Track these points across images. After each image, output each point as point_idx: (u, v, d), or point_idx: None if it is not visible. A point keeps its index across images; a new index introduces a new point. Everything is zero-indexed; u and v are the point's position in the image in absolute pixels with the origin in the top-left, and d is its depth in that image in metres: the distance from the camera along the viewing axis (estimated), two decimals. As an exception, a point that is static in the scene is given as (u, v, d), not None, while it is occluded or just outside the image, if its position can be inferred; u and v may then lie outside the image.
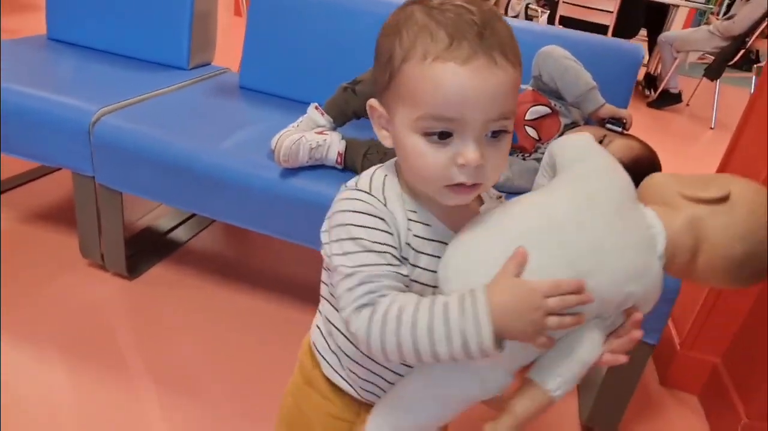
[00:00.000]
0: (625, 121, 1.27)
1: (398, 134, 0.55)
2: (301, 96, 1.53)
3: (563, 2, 3.92)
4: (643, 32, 4.76)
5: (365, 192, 0.57)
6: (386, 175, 0.59)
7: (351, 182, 0.60)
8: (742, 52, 3.65)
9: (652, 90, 4.43)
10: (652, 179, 0.67)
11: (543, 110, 1.32)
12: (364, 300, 0.53)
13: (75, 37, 1.80)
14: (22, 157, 1.45)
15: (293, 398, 0.74)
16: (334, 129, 1.31)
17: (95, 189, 1.40)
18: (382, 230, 0.55)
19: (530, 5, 5.02)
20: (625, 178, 0.62)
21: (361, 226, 0.54)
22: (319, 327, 0.70)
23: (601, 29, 3.83)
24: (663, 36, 4.09)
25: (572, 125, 1.33)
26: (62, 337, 1.31)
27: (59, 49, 1.76)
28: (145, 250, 1.64)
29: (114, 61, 1.71)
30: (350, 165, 1.25)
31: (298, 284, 1.62)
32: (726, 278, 0.60)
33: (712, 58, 3.84)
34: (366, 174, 0.60)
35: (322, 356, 0.68)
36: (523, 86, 1.35)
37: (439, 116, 0.51)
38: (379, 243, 0.54)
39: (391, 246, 0.55)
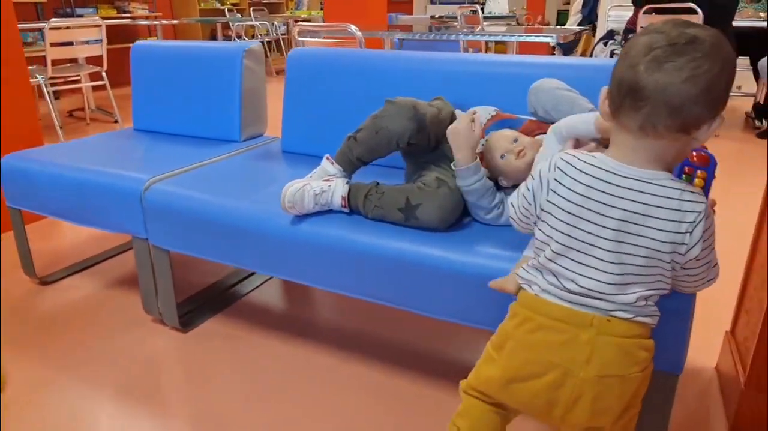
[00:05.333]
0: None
1: None
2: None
3: (641, 42, 3.77)
4: (746, 61, 4.42)
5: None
6: (685, 182, 0.85)
7: (692, 192, 0.80)
8: None
9: (763, 120, 4.05)
10: None
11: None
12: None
13: (153, 126, 2.10)
14: (96, 227, 1.67)
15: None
16: (346, 177, 1.38)
17: (149, 250, 1.58)
18: None
19: (615, 51, 4.92)
20: None
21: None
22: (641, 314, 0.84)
23: (686, 63, 3.61)
24: (762, 61, 3.77)
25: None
26: (116, 380, 1.46)
27: (139, 137, 2.05)
28: (204, 305, 1.79)
29: (180, 141, 1.96)
30: (354, 208, 1.30)
31: (342, 334, 1.66)
32: None
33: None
34: (693, 188, 0.81)
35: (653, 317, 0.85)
36: (524, 117, 1.35)
37: None
38: None
39: None
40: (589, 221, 0.82)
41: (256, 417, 1.35)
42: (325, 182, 1.32)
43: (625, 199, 0.79)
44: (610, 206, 0.80)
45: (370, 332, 1.67)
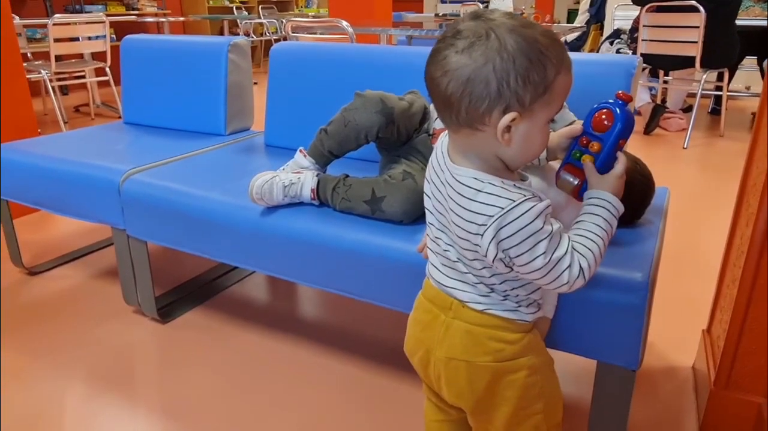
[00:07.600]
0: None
1: (533, 128, 0.71)
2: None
3: (643, 40, 3.74)
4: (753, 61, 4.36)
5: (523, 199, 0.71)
6: (493, 183, 0.72)
7: (503, 207, 0.70)
8: None
9: (769, 120, 3.98)
10: None
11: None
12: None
13: (142, 119, 2.12)
14: (77, 217, 1.69)
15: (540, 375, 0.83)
16: (319, 169, 1.38)
17: (128, 242, 1.59)
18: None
19: (621, 50, 4.87)
20: None
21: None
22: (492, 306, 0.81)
23: (688, 62, 3.58)
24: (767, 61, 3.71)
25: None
26: (90, 367, 1.47)
27: (127, 129, 2.07)
28: (186, 297, 1.80)
29: (166, 134, 1.98)
30: (323, 200, 1.30)
31: (322, 329, 1.67)
32: None
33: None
34: (499, 191, 0.71)
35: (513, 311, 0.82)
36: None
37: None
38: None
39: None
40: (429, 208, 0.83)
41: (224, 407, 1.35)
42: (294, 175, 1.32)
43: (443, 189, 0.77)
44: (436, 195, 0.80)
45: (350, 327, 1.67)
